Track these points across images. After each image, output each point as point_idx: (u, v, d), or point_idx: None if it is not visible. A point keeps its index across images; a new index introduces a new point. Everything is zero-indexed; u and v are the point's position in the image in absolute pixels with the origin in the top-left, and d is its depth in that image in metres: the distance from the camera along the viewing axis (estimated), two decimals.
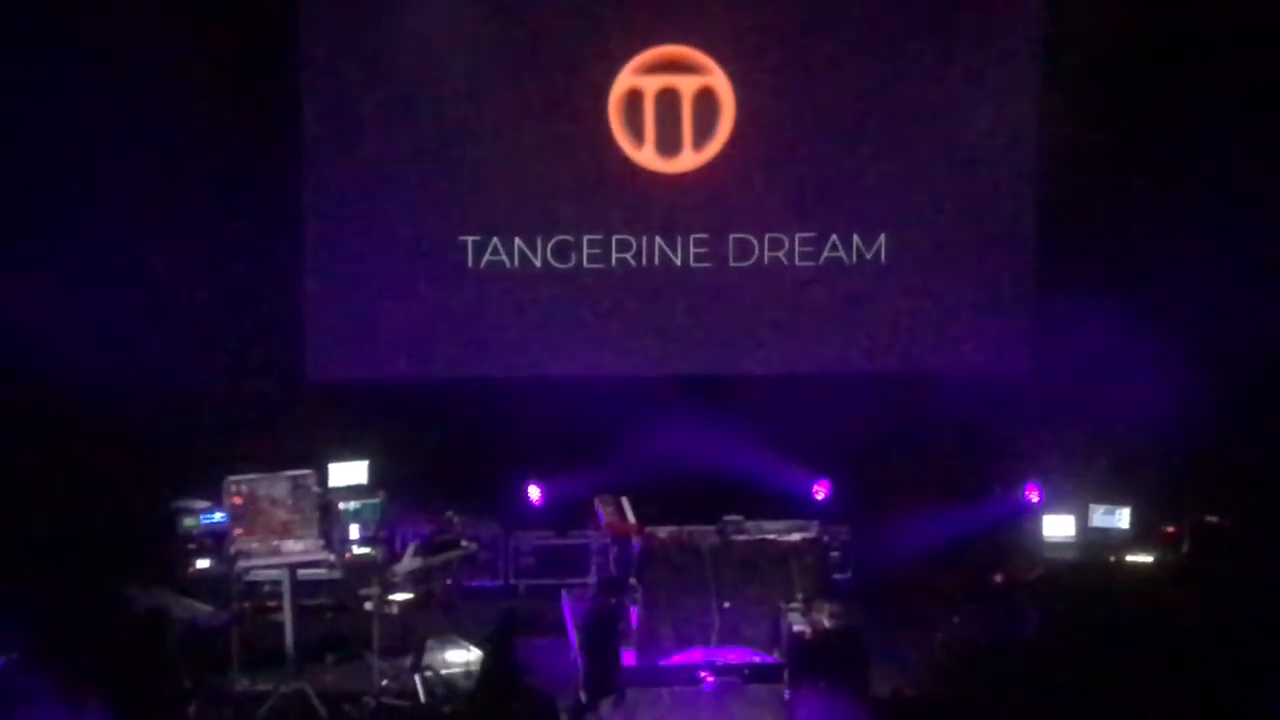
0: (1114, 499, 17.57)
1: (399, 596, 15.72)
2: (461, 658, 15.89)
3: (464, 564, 16.77)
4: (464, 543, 16.41)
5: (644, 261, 18.73)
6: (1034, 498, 18.27)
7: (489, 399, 18.26)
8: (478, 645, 14.86)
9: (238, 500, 15.41)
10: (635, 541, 16.46)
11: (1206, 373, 17.60)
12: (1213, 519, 17.25)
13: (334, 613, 16.49)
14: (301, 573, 15.78)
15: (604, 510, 16.88)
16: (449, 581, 16.35)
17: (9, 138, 16.87)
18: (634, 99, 18.53)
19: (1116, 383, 18.06)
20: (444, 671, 15.57)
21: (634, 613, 16.30)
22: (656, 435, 17.84)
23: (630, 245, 18.71)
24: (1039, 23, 18.54)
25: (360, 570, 16.04)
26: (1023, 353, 18.94)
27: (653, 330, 18.83)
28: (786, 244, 18.77)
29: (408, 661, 15.42)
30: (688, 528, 16.59)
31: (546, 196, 18.54)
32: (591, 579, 17.42)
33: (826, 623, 15.01)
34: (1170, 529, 17.28)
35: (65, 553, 16.08)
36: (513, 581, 18.22)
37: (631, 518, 16.68)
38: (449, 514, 16.53)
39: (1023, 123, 18.66)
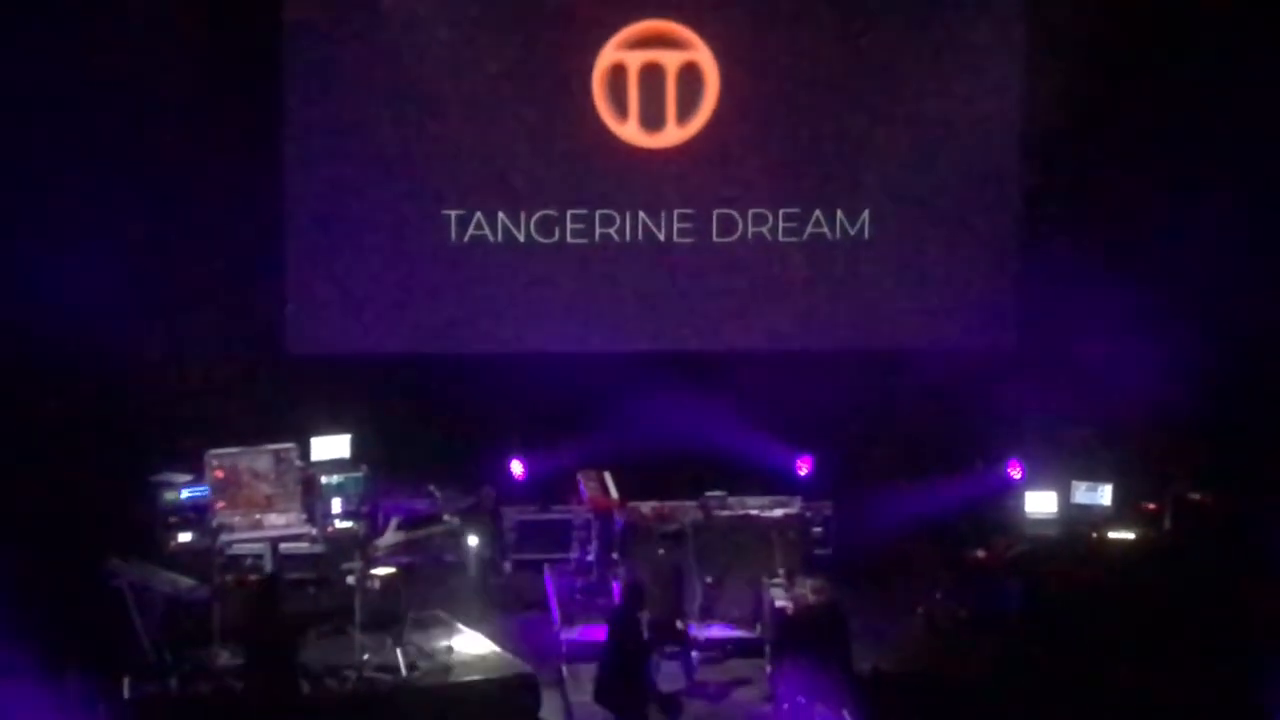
0: (1096, 476, 17.58)
1: (381, 571, 15.69)
2: (443, 631, 15.89)
3: (446, 539, 16.76)
4: (446, 517, 16.38)
5: (627, 237, 18.71)
6: (1016, 474, 18.29)
7: (472, 373, 18.25)
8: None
9: (219, 474, 15.39)
10: (618, 517, 16.46)
11: (1190, 350, 17.60)
12: (1195, 496, 17.26)
13: (316, 586, 16.45)
14: (283, 546, 15.77)
15: (587, 485, 16.88)
16: (431, 556, 16.35)
17: None
18: (618, 74, 18.50)
19: (1099, 360, 18.06)
20: (426, 646, 15.56)
21: (615, 588, 16.30)
22: (640, 410, 17.84)
23: (614, 220, 18.69)
24: None
25: (342, 544, 16.00)
26: (1006, 329, 18.95)
27: (636, 305, 18.82)
28: (770, 219, 18.76)
29: (390, 635, 15.41)
30: (670, 503, 16.59)
31: (530, 171, 18.51)
32: (574, 554, 17.40)
33: (809, 598, 15.00)
34: (1152, 506, 17.29)
35: (45, 526, 16.04)
36: (496, 557, 18.19)
37: (614, 493, 16.67)
38: (430, 488, 16.52)
39: (1007, 99, 18.65)
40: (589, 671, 15.23)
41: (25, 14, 16.90)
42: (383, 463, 17.09)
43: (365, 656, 15.11)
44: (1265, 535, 16.50)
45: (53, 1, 17.06)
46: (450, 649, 15.55)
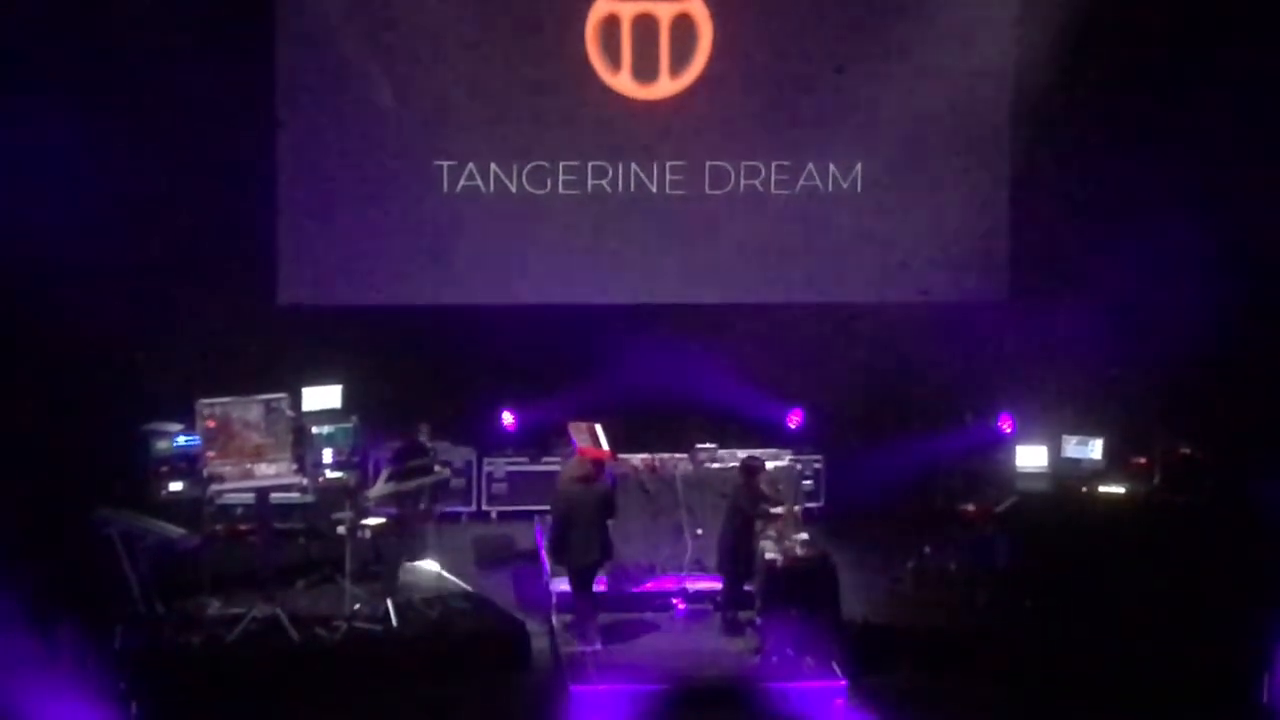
0: (1087, 430, 17.61)
1: (371, 521, 15.72)
2: (433, 582, 15.94)
3: (437, 489, 16.78)
4: (437, 468, 16.39)
5: (620, 188, 18.69)
6: (1007, 428, 18.31)
7: (463, 324, 18.23)
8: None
9: (211, 423, 15.39)
10: (608, 468, 16.46)
11: (1180, 307, 17.62)
12: (1185, 450, 17.30)
13: (306, 537, 16.49)
14: (274, 496, 15.79)
15: (577, 437, 16.86)
16: (422, 506, 16.37)
17: None
18: (611, 25, 18.45)
19: (1091, 315, 18.08)
20: (416, 596, 15.60)
21: None
22: (631, 362, 17.84)
23: (606, 172, 18.66)
24: None
25: (333, 494, 16.02)
26: (996, 284, 18.93)
27: (628, 257, 18.80)
28: (763, 172, 18.74)
29: (380, 585, 15.45)
30: (660, 455, 16.61)
31: (522, 122, 18.46)
32: None
33: (798, 551, 15.03)
34: (1142, 460, 17.33)
35: (37, 475, 16.04)
36: (485, 508, 18.22)
37: (605, 444, 16.67)
38: (421, 426, 16.54)
39: (999, 53, 18.62)
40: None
41: None
42: (373, 413, 17.10)
43: (356, 606, 15.15)
44: (1255, 489, 16.57)
45: None
46: (440, 599, 15.60)
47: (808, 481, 17.48)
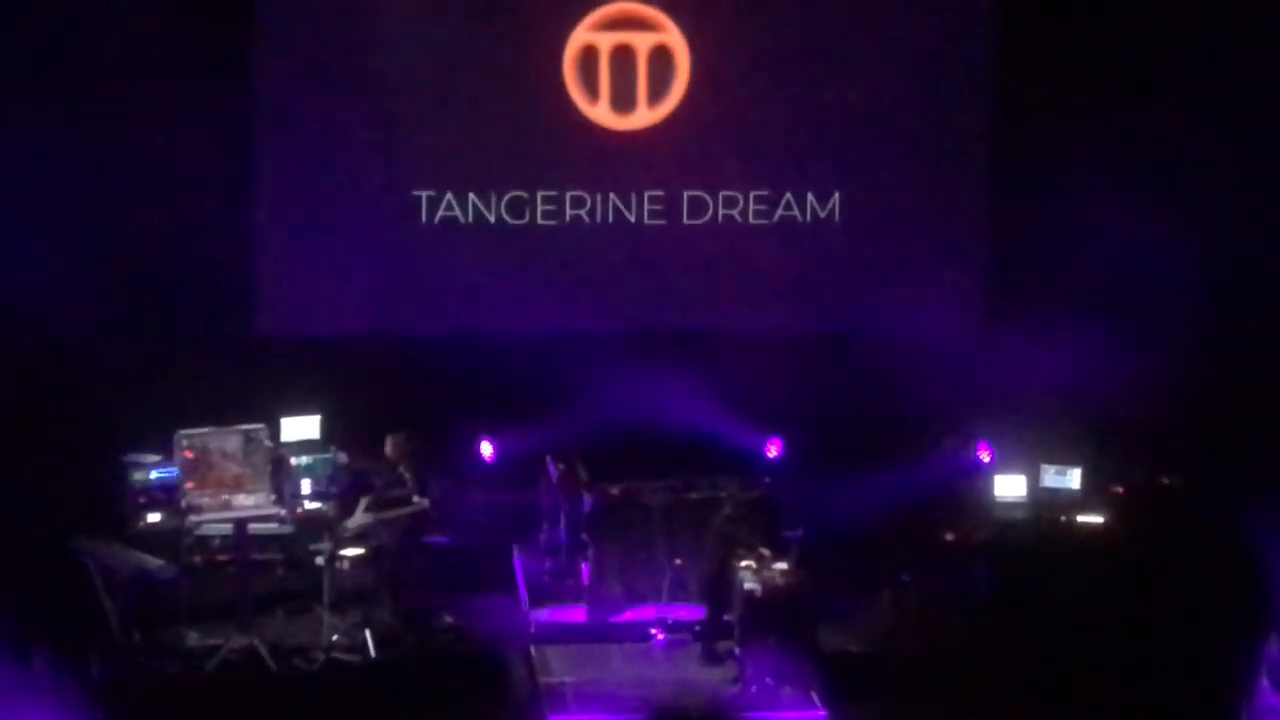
0: (1065, 459, 17.63)
1: (350, 552, 15.70)
2: (411, 613, 15.93)
3: (415, 520, 16.75)
4: (415, 499, 16.40)
5: (598, 218, 18.71)
6: (985, 457, 18.32)
7: (442, 355, 18.20)
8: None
9: (189, 454, 15.37)
10: (587, 498, 16.48)
11: (1158, 337, 17.67)
12: (1164, 480, 17.33)
13: (284, 567, 16.46)
14: (252, 527, 15.77)
15: (556, 467, 16.89)
16: (400, 538, 16.35)
17: None
18: (589, 56, 18.49)
19: (1069, 344, 18.09)
20: (395, 627, 15.58)
21: (584, 570, 16.34)
22: (609, 392, 17.81)
23: (584, 202, 18.68)
24: None
25: (311, 525, 16.01)
26: (975, 313, 18.98)
27: (606, 287, 18.82)
28: (741, 202, 18.78)
29: (358, 616, 15.43)
30: (639, 484, 16.61)
31: (501, 152, 18.50)
32: (543, 535, 17.41)
33: (777, 580, 15.03)
34: (1120, 490, 17.35)
35: (13, 506, 16.00)
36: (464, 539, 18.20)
37: (584, 475, 16.68)
38: (399, 469, 16.50)
39: (979, 83, 18.68)
40: (556, 653, 15.33)
41: None
42: (352, 443, 17.08)
43: (334, 637, 15.13)
44: (1233, 519, 16.59)
45: None
46: (418, 629, 15.58)
47: (786, 511, 17.45)
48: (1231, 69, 17.86)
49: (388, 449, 16.35)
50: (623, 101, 18.56)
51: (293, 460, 16.32)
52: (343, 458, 16.51)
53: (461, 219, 18.56)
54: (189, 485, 15.32)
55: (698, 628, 15.64)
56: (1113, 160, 18.09)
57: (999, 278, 18.89)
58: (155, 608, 15.32)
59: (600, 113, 18.55)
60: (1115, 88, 18.21)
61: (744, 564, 15.18)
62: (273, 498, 15.63)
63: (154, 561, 15.27)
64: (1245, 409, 17.87)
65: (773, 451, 18.61)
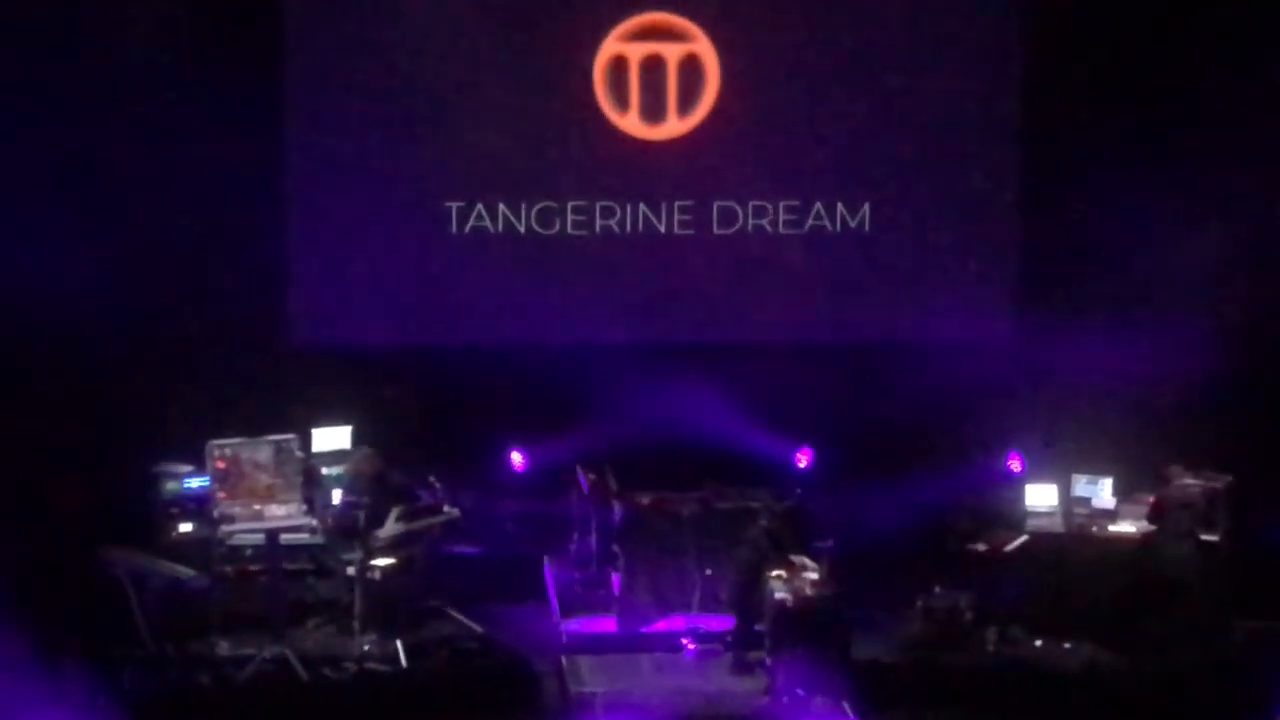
0: (1096, 469, 17.56)
1: (381, 562, 15.71)
2: (442, 623, 15.92)
3: (446, 530, 16.76)
4: (446, 508, 16.40)
5: (628, 228, 18.71)
6: (1016, 467, 18.26)
7: (472, 364, 18.21)
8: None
9: (221, 464, 15.40)
10: (617, 508, 16.47)
11: (1189, 345, 17.62)
12: (1198, 487, 17.20)
13: (316, 577, 16.48)
14: (284, 537, 15.78)
15: (586, 477, 16.89)
16: (431, 547, 16.36)
17: None
18: (619, 66, 18.50)
19: (1100, 352, 18.05)
20: (426, 637, 15.59)
21: (615, 580, 16.34)
22: (639, 402, 17.83)
23: (614, 212, 18.68)
24: None
25: (343, 535, 16.02)
26: (1004, 322, 18.93)
27: (636, 297, 18.80)
28: (770, 212, 18.77)
29: (389, 626, 15.44)
30: (670, 495, 16.60)
31: (531, 162, 18.49)
32: (574, 546, 17.41)
33: (808, 591, 15.00)
34: (1152, 499, 17.26)
35: (45, 516, 16.05)
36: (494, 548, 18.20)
37: (614, 484, 16.68)
38: (430, 479, 16.50)
39: (1006, 92, 18.64)
40: (587, 663, 15.34)
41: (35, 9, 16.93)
42: (383, 453, 17.09)
43: (365, 648, 15.14)
44: (1269, 530, 16.56)
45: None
46: (450, 639, 15.60)
47: (817, 521, 17.43)
48: (1266, 63, 17.78)
49: (349, 466, 16.31)
50: (653, 111, 18.57)
51: (324, 470, 16.36)
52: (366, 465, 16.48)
53: (491, 229, 18.57)
54: (220, 495, 15.35)
55: (728, 638, 15.63)
56: (1146, 164, 17.99)
57: (1030, 286, 18.82)
58: (187, 618, 15.35)
59: (630, 123, 18.56)
60: (1147, 98, 18.14)
61: (775, 574, 15.17)
62: (304, 508, 15.65)
63: (186, 571, 15.32)
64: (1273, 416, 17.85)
65: (803, 461, 18.58)
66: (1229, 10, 17.96)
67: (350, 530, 15.74)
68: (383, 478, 16.12)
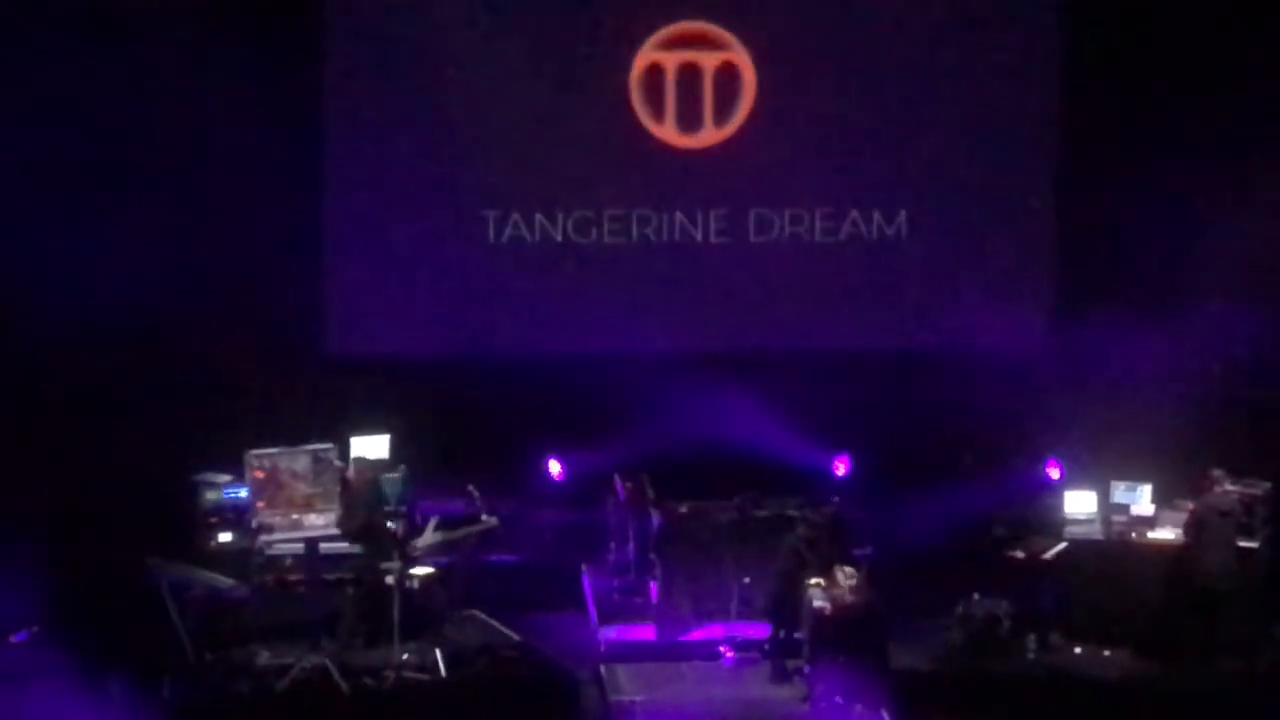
0: (1135, 476, 17.51)
1: (420, 570, 15.74)
2: (481, 631, 15.94)
3: (485, 538, 16.78)
4: (485, 517, 16.42)
5: (664, 236, 18.74)
6: (1055, 474, 18.21)
7: (509, 373, 18.25)
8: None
9: (259, 474, 15.48)
10: (655, 517, 16.48)
11: (1227, 352, 17.60)
12: (1233, 491, 17.13)
13: (354, 586, 16.50)
14: (323, 546, 15.82)
15: (624, 486, 16.90)
16: (469, 556, 16.38)
17: (34, 112, 16.88)
18: (655, 75, 18.53)
19: (1138, 360, 18.00)
20: (464, 645, 15.61)
21: (653, 588, 16.34)
22: (677, 410, 17.82)
23: (651, 220, 18.71)
24: None
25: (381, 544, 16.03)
26: (1042, 328, 18.89)
27: (673, 305, 18.82)
28: (807, 219, 18.78)
29: (428, 635, 15.46)
30: (707, 503, 16.60)
31: (568, 172, 18.55)
32: (612, 554, 17.42)
33: (846, 598, 14.99)
34: (1191, 506, 17.20)
35: (87, 527, 16.12)
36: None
37: (651, 493, 16.69)
38: (469, 488, 16.53)
39: (1043, 100, 18.63)
40: (626, 671, 15.34)
41: (77, 31, 17.01)
42: (421, 463, 17.14)
43: (404, 656, 15.17)
44: None
45: (98, 22, 17.10)
46: (488, 648, 15.61)
47: (855, 529, 17.42)
48: None
49: (349, 474, 16.28)
50: (689, 120, 18.59)
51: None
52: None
53: (528, 238, 18.62)
54: (259, 505, 15.42)
55: (766, 646, 15.62)
56: (1181, 176, 17.96)
57: (1068, 292, 18.78)
58: (226, 627, 15.40)
59: (666, 131, 18.59)
60: (1182, 109, 18.08)
61: (813, 582, 15.16)
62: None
63: (225, 581, 15.37)
64: None
65: (840, 469, 18.56)
66: (1266, 5, 17.89)
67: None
68: (378, 486, 16.12)
